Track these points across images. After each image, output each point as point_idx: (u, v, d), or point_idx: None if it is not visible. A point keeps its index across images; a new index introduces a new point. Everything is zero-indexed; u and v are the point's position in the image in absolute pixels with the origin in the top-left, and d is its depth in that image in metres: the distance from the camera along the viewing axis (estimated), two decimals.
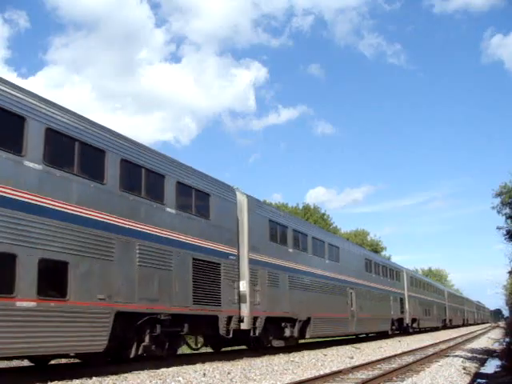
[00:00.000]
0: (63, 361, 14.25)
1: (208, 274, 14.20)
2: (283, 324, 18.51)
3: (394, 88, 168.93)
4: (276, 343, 18.62)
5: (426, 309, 44.46)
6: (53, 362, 12.62)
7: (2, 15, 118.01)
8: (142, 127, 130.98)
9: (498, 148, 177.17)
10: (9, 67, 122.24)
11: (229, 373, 11.63)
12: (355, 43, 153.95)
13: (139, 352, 11.86)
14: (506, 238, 26.36)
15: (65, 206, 10.07)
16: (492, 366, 16.73)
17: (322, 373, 12.12)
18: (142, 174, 12.38)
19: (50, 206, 9.75)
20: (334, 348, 21.48)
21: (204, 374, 11.17)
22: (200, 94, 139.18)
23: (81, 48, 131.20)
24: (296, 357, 16.54)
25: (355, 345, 23.32)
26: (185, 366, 12.52)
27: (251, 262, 16.48)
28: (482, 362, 17.51)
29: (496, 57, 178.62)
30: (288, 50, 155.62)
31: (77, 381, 9.50)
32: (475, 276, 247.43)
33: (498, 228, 26.45)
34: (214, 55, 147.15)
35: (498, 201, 25.81)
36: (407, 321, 36.64)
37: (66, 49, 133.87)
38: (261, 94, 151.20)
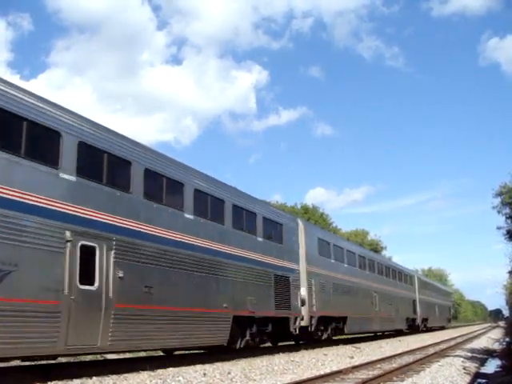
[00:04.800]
0: (63, 361, 14.22)
1: None
2: None
3: (392, 89, 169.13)
4: None
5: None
6: (52, 361, 12.58)
7: (6, 19, 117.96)
8: (143, 128, 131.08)
9: (499, 148, 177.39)
10: (11, 70, 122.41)
11: (229, 373, 11.59)
12: (354, 45, 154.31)
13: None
14: (505, 238, 26.43)
15: None
16: (492, 366, 16.74)
17: (322, 372, 12.10)
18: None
19: None
20: (334, 348, 21.46)
21: (204, 374, 11.15)
22: (201, 96, 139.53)
23: (82, 50, 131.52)
24: (296, 357, 16.50)
25: (355, 344, 23.29)
26: (185, 366, 12.46)
27: None
28: (482, 362, 17.51)
29: (493, 59, 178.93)
30: (288, 53, 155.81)
31: (77, 381, 9.48)
32: (475, 276, 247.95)
33: (498, 228, 26.54)
34: (215, 57, 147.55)
35: (498, 201, 25.90)
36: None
37: (68, 51, 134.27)
38: (261, 95, 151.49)
